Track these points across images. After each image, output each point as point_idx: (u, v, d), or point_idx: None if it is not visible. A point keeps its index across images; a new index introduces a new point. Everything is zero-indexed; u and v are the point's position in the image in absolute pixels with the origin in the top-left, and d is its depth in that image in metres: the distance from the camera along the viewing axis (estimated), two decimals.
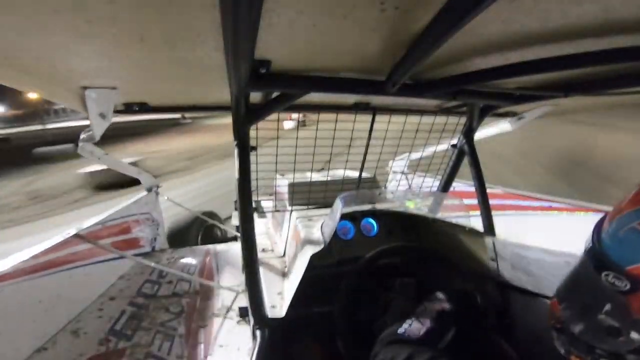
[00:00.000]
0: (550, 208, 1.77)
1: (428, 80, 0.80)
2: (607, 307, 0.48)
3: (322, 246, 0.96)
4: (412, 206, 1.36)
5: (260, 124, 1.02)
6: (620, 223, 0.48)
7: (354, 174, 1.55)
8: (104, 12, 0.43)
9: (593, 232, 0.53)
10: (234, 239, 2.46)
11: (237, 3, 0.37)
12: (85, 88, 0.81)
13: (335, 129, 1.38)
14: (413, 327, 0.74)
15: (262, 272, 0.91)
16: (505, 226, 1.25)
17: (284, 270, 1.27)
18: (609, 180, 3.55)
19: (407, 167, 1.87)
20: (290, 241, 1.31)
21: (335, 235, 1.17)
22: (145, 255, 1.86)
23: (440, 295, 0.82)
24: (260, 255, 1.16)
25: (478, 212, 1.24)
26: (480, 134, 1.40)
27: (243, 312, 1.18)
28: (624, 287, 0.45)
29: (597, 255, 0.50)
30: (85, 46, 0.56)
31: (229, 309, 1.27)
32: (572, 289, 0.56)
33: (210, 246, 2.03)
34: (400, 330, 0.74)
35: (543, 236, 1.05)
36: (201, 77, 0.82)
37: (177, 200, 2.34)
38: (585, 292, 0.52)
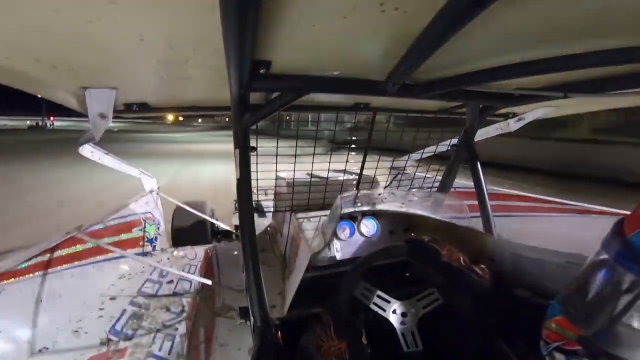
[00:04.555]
0: (550, 209, 1.77)
1: (428, 81, 0.80)
2: None
3: (322, 246, 0.96)
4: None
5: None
6: None
7: (354, 173, 1.55)
8: (104, 12, 0.44)
9: (614, 239, 0.48)
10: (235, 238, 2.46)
11: (237, 3, 0.37)
12: (85, 88, 0.81)
13: (335, 129, 1.39)
14: None
15: (262, 272, 0.91)
16: (504, 226, 1.25)
17: (284, 270, 1.28)
18: None
19: (407, 167, 1.87)
20: (290, 241, 1.31)
21: (335, 235, 1.17)
22: (146, 254, 1.86)
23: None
24: (260, 255, 1.17)
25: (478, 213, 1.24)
26: (480, 134, 1.40)
27: (243, 312, 1.18)
28: None
29: None
30: (86, 46, 0.56)
31: (229, 309, 1.27)
32: (602, 305, 0.49)
33: (210, 245, 2.03)
34: None
35: (543, 237, 1.05)
36: (201, 77, 0.82)
37: None
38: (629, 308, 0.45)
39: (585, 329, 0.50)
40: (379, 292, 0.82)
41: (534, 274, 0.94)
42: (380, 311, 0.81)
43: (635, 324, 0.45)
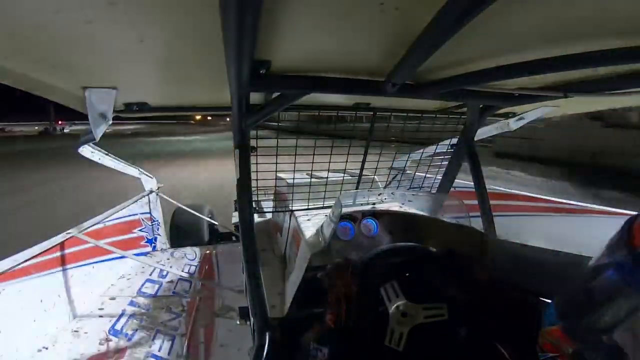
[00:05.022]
0: (550, 209, 1.77)
1: (428, 81, 0.80)
2: None
3: (322, 246, 0.96)
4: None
5: None
6: None
7: (354, 174, 1.55)
8: (104, 13, 0.44)
9: (621, 249, 0.44)
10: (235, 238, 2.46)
11: (237, 3, 0.37)
12: (85, 88, 0.81)
13: (335, 129, 1.39)
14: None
15: (262, 272, 0.91)
16: (504, 226, 1.25)
17: (284, 270, 1.28)
18: None
19: (407, 166, 1.87)
20: (290, 241, 1.31)
21: (335, 235, 1.17)
22: (145, 254, 1.86)
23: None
24: (260, 255, 1.17)
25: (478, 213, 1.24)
26: (480, 134, 1.40)
27: (243, 312, 1.18)
28: None
29: None
30: (86, 46, 0.56)
31: (229, 309, 1.27)
32: (599, 318, 0.45)
33: (210, 246, 2.04)
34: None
35: (543, 237, 1.05)
36: (201, 77, 0.82)
37: None
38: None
39: (579, 341, 0.48)
40: (395, 283, 0.82)
41: (534, 275, 0.94)
42: (385, 300, 0.81)
43: (630, 342, 0.42)
